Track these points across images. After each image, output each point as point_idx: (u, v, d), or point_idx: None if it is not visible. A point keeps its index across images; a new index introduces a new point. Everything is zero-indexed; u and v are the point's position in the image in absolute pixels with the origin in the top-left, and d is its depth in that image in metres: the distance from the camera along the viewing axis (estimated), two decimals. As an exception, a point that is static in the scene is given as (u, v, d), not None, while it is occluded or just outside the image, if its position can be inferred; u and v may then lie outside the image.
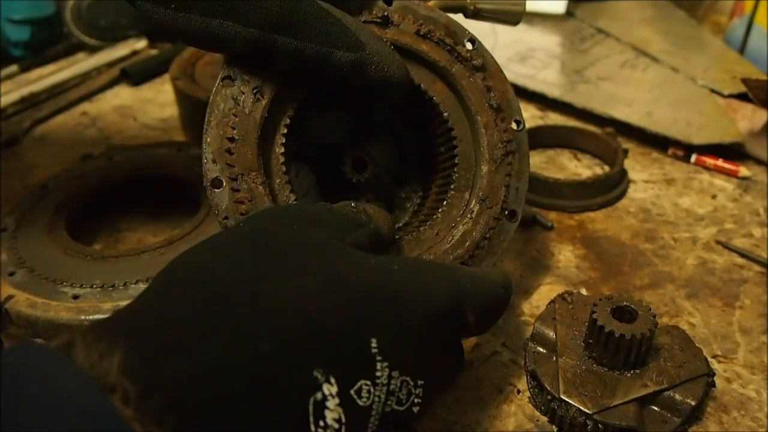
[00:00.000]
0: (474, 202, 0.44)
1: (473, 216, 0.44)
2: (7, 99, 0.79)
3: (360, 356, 0.28)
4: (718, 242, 0.58)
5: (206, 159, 0.39)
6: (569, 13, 1.03)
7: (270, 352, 0.26)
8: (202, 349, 0.25)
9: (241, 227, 0.32)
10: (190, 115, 0.71)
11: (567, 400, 0.39)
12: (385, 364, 0.28)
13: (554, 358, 0.42)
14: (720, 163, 0.68)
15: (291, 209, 0.35)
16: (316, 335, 0.27)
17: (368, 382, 0.28)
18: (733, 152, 0.69)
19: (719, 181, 0.67)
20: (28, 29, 0.89)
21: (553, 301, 0.46)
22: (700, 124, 0.72)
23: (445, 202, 0.45)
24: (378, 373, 0.28)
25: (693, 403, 0.40)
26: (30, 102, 0.80)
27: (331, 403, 0.27)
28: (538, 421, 0.41)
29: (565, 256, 0.56)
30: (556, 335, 0.43)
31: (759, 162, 0.69)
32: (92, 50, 0.92)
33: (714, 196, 0.65)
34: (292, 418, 0.26)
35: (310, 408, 0.26)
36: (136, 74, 0.86)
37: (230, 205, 0.39)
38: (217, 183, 0.39)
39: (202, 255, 0.30)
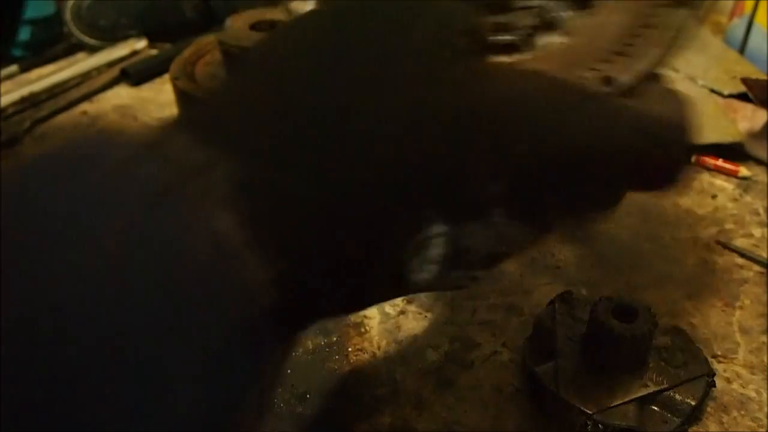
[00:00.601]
0: None
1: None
2: (7, 99, 0.79)
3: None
4: (718, 242, 0.58)
5: None
6: (569, 13, 1.03)
7: (379, 193, 0.23)
8: (305, 184, 0.22)
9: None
10: (190, 115, 0.71)
11: (567, 400, 0.39)
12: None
13: (554, 358, 0.42)
14: (720, 163, 0.68)
15: None
16: (428, 174, 0.24)
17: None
18: (733, 152, 0.69)
19: (719, 181, 0.67)
20: (28, 29, 0.89)
21: (553, 301, 0.46)
22: (700, 124, 0.72)
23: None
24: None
25: (693, 403, 0.40)
26: (30, 102, 0.80)
27: (437, 240, 0.25)
28: (538, 421, 0.42)
29: (565, 256, 0.56)
30: (556, 335, 0.43)
31: (759, 162, 0.69)
32: (92, 50, 0.92)
33: (714, 196, 0.65)
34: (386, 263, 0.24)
35: (413, 246, 0.24)
36: (136, 74, 0.86)
37: None
38: None
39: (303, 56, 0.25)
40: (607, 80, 0.34)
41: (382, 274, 0.24)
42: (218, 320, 0.20)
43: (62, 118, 0.79)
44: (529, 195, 0.27)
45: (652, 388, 0.40)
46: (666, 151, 0.30)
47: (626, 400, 0.39)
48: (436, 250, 0.25)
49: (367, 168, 0.23)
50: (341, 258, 0.23)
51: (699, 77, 0.82)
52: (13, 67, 0.87)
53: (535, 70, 0.32)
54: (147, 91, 0.85)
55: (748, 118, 0.73)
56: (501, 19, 0.38)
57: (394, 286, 0.25)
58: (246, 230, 0.20)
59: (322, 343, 0.47)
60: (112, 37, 0.92)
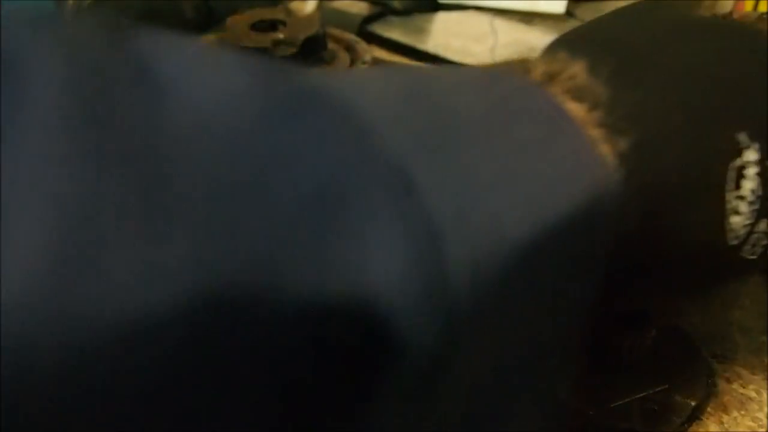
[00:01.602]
0: None
1: None
2: (7, 99, 0.79)
3: None
4: (718, 242, 0.58)
5: None
6: (569, 13, 1.03)
7: (699, 108, 0.25)
8: (645, 85, 0.25)
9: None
10: (190, 115, 0.71)
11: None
12: None
13: (554, 358, 0.42)
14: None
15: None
16: (741, 97, 0.26)
17: None
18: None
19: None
20: (28, 29, 0.89)
21: (553, 301, 0.46)
22: None
23: None
24: None
25: (693, 403, 0.40)
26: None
27: (750, 171, 0.25)
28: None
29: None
30: (556, 335, 0.43)
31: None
32: (92, 50, 0.92)
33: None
34: (710, 184, 0.25)
35: (729, 174, 0.24)
36: (136, 74, 0.86)
37: None
38: None
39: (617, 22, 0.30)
40: None
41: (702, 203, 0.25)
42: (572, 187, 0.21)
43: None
44: None
45: (652, 388, 0.40)
46: None
47: (626, 400, 0.39)
48: (750, 183, 0.24)
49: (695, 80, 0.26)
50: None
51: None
52: (14, 67, 0.87)
53: None
54: (147, 91, 0.85)
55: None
56: None
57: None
58: (594, 113, 0.23)
59: (322, 343, 0.47)
60: (112, 37, 0.92)
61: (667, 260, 0.27)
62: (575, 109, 0.22)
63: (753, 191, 0.25)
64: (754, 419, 0.42)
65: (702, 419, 0.42)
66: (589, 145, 0.22)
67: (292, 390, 0.15)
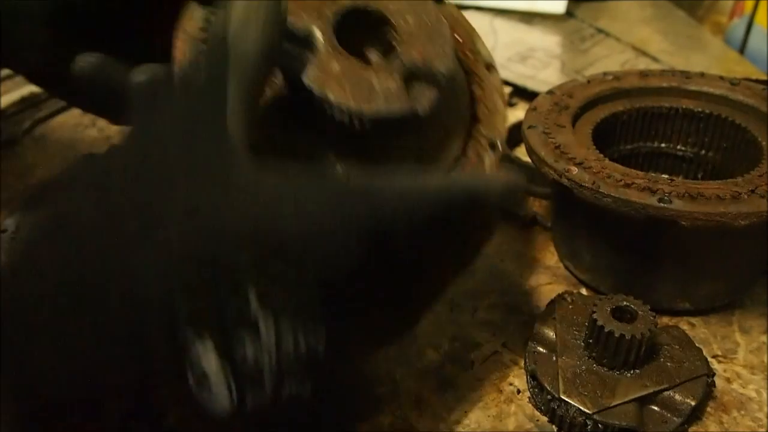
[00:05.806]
0: None
1: None
2: (7, 99, 0.79)
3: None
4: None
5: None
6: (569, 13, 1.03)
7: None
8: None
9: None
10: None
11: (567, 400, 0.39)
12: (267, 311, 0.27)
13: (554, 358, 0.42)
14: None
15: None
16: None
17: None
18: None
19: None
20: (28, 29, 0.89)
21: (553, 301, 0.46)
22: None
23: None
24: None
25: (693, 403, 0.40)
26: (30, 102, 0.80)
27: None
28: (538, 421, 0.42)
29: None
30: (556, 335, 0.43)
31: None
32: (92, 50, 0.91)
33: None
34: None
35: None
36: (136, 74, 0.85)
37: None
38: None
39: None
40: None
41: None
42: None
43: (62, 118, 0.79)
44: None
45: (652, 388, 0.40)
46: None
47: (626, 400, 0.39)
48: None
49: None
50: None
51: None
52: (14, 67, 0.87)
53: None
54: (147, 91, 0.85)
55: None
56: None
57: None
58: None
59: (322, 343, 0.47)
60: (112, 37, 0.92)
61: None
62: None
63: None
64: (754, 419, 0.42)
65: (702, 419, 0.42)
66: None
67: None
